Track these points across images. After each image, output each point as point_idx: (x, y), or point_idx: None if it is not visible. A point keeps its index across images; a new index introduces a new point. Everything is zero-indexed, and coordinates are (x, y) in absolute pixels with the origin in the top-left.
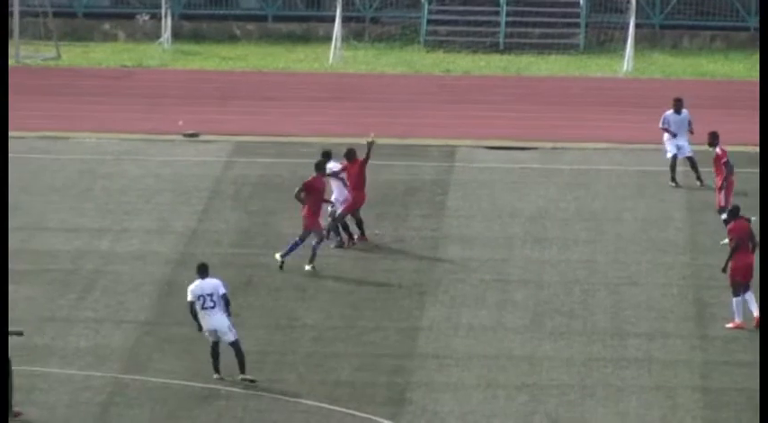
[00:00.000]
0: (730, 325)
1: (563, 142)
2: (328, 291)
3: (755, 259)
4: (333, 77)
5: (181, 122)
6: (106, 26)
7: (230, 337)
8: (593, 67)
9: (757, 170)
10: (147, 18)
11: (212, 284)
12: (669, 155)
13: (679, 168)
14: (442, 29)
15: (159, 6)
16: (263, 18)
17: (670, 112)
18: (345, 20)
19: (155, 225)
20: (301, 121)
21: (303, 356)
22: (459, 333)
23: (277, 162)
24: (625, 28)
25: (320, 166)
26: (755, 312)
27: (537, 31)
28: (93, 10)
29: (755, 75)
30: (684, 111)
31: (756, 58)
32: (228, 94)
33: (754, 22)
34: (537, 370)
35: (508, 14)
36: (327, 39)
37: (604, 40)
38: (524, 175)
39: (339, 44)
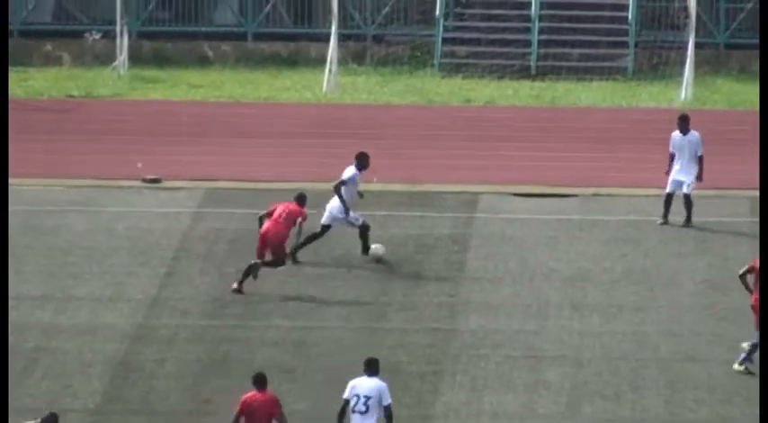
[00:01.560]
0: None
1: (607, 188)
2: (322, 370)
3: None
4: (327, 109)
5: (140, 165)
6: (48, 47)
7: None
8: (645, 96)
9: None
10: (97, 37)
11: (374, 387)
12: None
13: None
14: (460, 49)
15: (113, 23)
16: (242, 36)
17: (675, 133)
18: (342, 38)
19: (107, 292)
20: (288, 162)
21: None
22: (482, 421)
23: (257, 213)
24: (683, 48)
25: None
26: None
27: (576, 52)
28: (31, 27)
29: None
30: (694, 132)
31: None
32: (199, 131)
33: None
34: None
35: (541, 32)
36: (321, 61)
37: (658, 63)
38: (560, 229)
39: (335, 68)
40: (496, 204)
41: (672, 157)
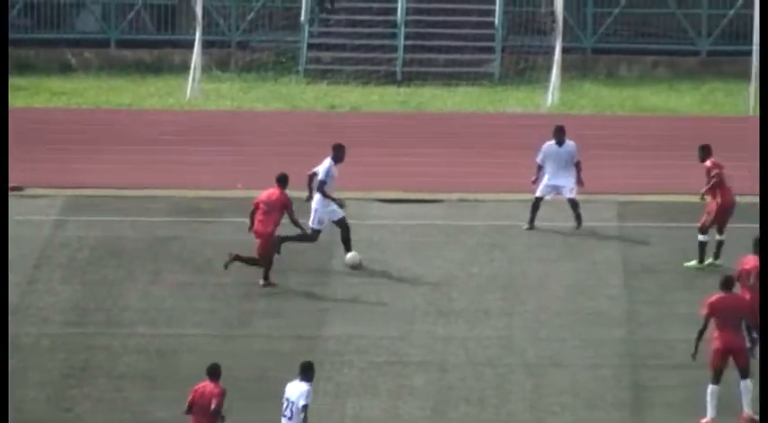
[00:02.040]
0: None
1: (474, 193)
2: (183, 378)
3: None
4: (191, 116)
5: None
6: None
7: None
8: (512, 101)
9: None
10: None
11: (297, 392)
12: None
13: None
14: (325, 55)
15: None
16: (105, 43)
17: (550, 143)
18: (207, 45)
19: None
20: (151, 169)
21: None
22: None
23: (120, 221)
24: (550, 53)
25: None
26: (746, 409)
27: (442, 57)
28: None
29: (707, 108)
30: (569, 142)
31: (706, 88)
32: (60, 139)
33: (705, 45)
34: None
35: (407, 38)
36: (185, 68)
37: (525, 68)
38: (426, 234)
39: (198, 75)
40: (362, 210)
41: (539, 168)
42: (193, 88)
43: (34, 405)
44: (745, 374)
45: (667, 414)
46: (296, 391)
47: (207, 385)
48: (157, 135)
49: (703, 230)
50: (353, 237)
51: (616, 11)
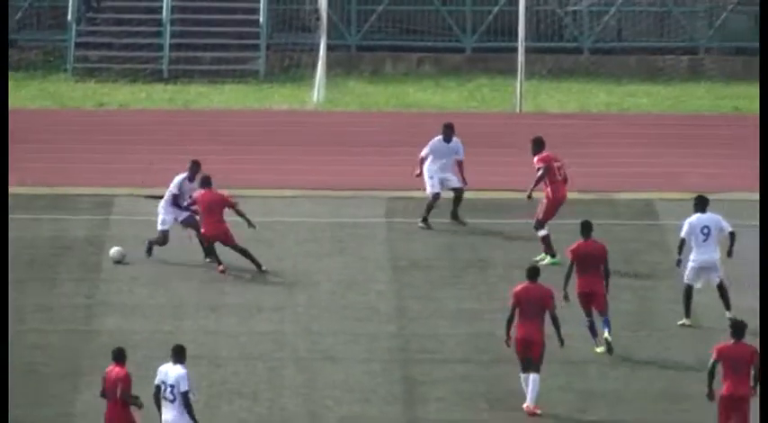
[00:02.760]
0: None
1: (241, 189)
2: None
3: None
4: None
5: None
6: None
7: None
8: (277, 98)
9: (470, 220)
10: None
11: (174, 375)
12: (431, 191)
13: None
14: (93, 54)
15: None
16: None
17: (438, 138)
18: None
19: None
20: None
21: None
22: None
23: None
24: (315, 50)
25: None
26: (528, 400)
27: (208, 55)
28: None
29: (474, 104)
30: (456, 139)
31: (473, 85)
32: None
33: (470, 42)
34: None
35: (173, 36)
36: None
37: (290, 66)
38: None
39: None
40: (132, 206)
41: (422, 161)
42: None
43: None
44: (536, 369)
45: (439, 408)
46: (173, 373)
47: (113, 369)
48: None
49: (540, 225)
50: (123, 232)
51: (380, 8)
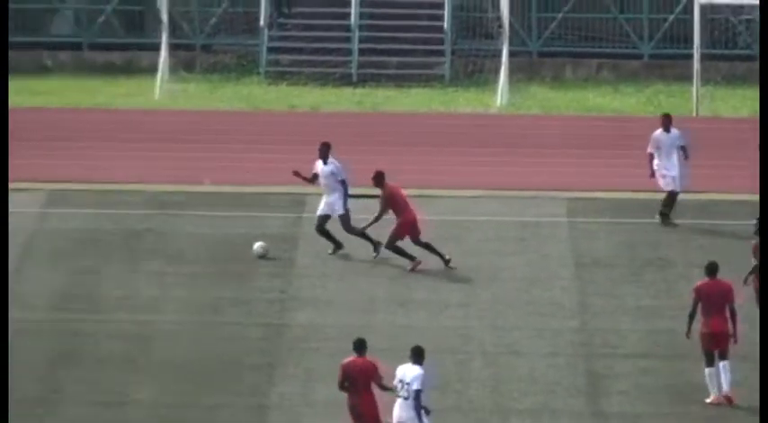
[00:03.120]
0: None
1: (430, 189)
2: (162, 362)
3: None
4: (161, 115)
5: None
6: None
7: None
8: (462, 102)
9: (649, 219)
10: None
11: (412, 375)
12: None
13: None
14: (284, 58)
15: None
16: (78, 46)
17: (659, 131)
18: (173, 48)
19: None
20: (125, 166)
21: None
22: (315, 410)
23: (99, 213)
24: (497, 56)
25: None
26: (725, 386)
27: (395, 60)
28: None
29: (650, 109)
30: (674, 130)
31: (650, 90)
32: (40, 136)
33: (648, 49)
34: None
35: (361, 41)
36: (153, 70)
37: (474, 71)
38: (386, 227)
39: (166, 76)
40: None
41: (651, 157)
42: (162, 89)
43: (25, 385)
44: (724, 357)
45: (621, 401)
46: (410, 373)
47: (355, 361)
48: (128, 133)
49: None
50: (307, 230)
51: (560, 15)
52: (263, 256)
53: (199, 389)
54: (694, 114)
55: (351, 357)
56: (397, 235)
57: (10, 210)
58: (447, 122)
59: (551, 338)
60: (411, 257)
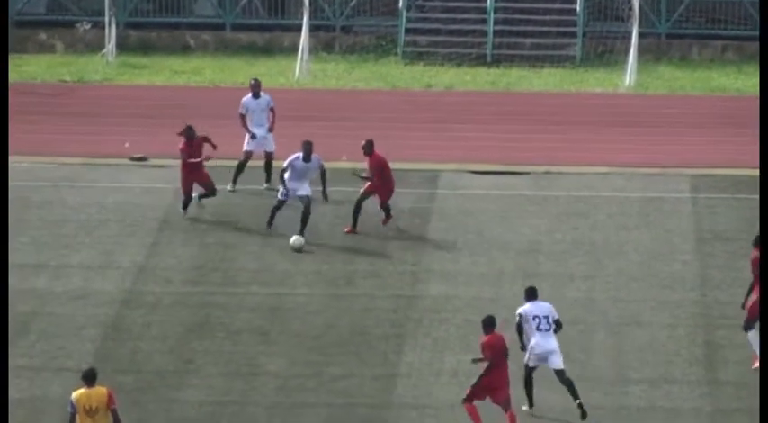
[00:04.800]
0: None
1: (558, 166)
2: (294, 334)
3: None
4: (299, 94)
5: (127, 144)
6: (42, 36)
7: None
8: (592, 82)
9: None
10: (88, 27)
11: (546, 307)
12: None
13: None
14: (422, 39)
15: (102, 13)
16: (221, 27)
17: None
18: (313, 29)
19: (98, 260)
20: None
21: (266, 407)
22: (442, 380)
23: (236, 190)
24: (627, 38)
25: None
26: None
27: (528, 41)
28: (26, 17)
29: None
30: None
31: None
32: (180, 113)
33: None
34: (529, 420)
35: (496, 23)
36: (293, 50)
37: (604, 52)
38: (515, 204)
39: (306, 56)
40: (456, 181)
41: None
42: (302, 68)
43: (158, 356)
44: None
45: (738, 370)
46: (544, 308)
47: (497, 336)
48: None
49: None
50: (447, 205)
51: None
52: (298, 250)
53: (328, 359)
54: None
55: (488, 335)
56: (372, 194)
57: (149, 185)
58: (577, 102)
59: (672, 310)
60: (355, 224)
